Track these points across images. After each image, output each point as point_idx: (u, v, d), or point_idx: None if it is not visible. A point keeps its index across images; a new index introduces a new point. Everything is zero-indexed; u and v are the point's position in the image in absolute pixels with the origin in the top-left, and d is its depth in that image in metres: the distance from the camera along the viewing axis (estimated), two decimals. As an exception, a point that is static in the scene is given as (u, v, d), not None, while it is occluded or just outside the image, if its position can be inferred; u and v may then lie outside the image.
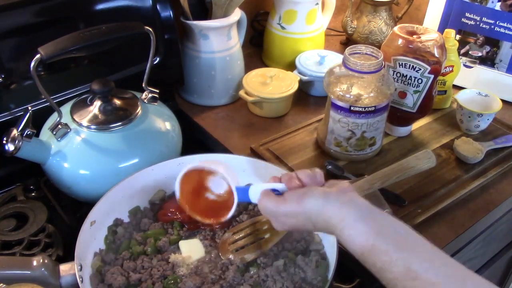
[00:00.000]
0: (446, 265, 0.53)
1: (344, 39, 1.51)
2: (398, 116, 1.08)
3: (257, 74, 1.19)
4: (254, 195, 0.67)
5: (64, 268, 0.68)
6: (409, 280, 0.52)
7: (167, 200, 0.85)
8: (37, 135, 0.86)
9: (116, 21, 0.82)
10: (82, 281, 0.67)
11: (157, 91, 0.93)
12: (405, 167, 0.75)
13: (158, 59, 1.05)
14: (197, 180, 0.72)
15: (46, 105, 0.88)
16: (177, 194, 0.71)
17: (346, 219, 0.58)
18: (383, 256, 0.55)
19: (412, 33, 1.02)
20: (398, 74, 1.03)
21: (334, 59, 1.24)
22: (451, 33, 1.10)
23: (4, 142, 0.79)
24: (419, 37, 1.00)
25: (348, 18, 1.42)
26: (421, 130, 1.11)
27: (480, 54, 1.25)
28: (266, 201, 0.64)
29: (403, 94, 1.05)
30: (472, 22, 1.23)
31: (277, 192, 0.65)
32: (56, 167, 0.84)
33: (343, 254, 0.82)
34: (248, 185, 0.68)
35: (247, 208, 0.84)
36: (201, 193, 0.73)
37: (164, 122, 0.92)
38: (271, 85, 1.16)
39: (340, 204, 0.59)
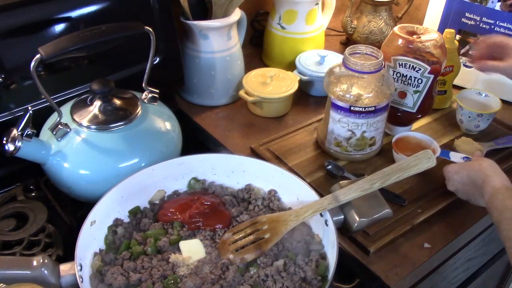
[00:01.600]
0: None
1: (344, 39, 1.51)
2: (398, 116, 1.08)
3: (257, 74, 1.19)
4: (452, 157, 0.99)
5: (64, 268, 0.68)
6: None
7: (167, 200, 0.85)
8: (37, 135, 0.86)
9: (116, 21, 0.82)
10: (82, 281, 0.67)
11: (157, 91, 0.93)
12: (405, 167, 0.75)
13: (158, 59, 1.05)
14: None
15: (46, 105, 0.88)
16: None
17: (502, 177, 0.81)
18: None
19: (412, 33, 1.02)
20: (398, 74, 1.03)
21: (334, 59, 1.24)
22: (451, 33, 1.11)
23: (4, 142, 0.79)
24: (419, 37, 1.00)
25: (348, 18, 1.42)
26: (421, 130, 1.11)
27: (480, 54, 1.24)
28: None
29: (403, 94, 1.05)
30: (472, 22, 1.23)
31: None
32: (56, 167, 0.84)
33: (343, 254, 0.82)
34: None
35: (247, 208, 0.84)
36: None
37: (164, 122, 0.92)
38: (271, 85, 1.16)
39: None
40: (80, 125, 0.85)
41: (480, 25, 1.22)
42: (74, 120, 0.85)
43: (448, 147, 1.07)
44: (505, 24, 1.19)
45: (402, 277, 0.82)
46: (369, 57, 0.95)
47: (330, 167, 0.99)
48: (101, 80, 0.86)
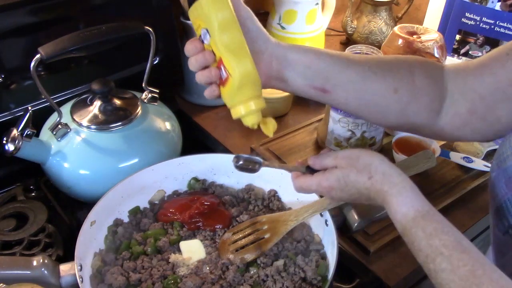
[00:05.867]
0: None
1: (344, 39, 1.51)
2: (398, 116, 1.08)
3: (257, 74, 1.19)
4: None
5: (64, 268, 0.68)
6: (457, 251, 0.54)
7: (167, 200, 0.85)
8: (37, 135, 0.86)
9: (116, 21, 0.82)
10: (82, 281, 0.67)
11: (157, 91, 0.93)
12: (405, 167, 0.75)
13: (158, 59, 1.05)
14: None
15: (46, 105, 0.88)
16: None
17: (406, 184, 0.61)
18: (435, 223, 0.57)
19: (412, 33, 1.02)
20: (398, 74, 1.03)
21: (334, 59, 1.24)
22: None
23: (4, 142, 0.79)
24: (419, 37, 1.00)
25: (348, 18, 1.42)
26: (421, 130, 1.11)
27: (480, 54, 1.25)
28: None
29: (403, 94, 1.05)
30: (472, 22, 1.23)
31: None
32: (56, 167, 0.84)
33: (343, 254, 0.82)
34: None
35: (247, 208, 0.84)
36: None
37: (164, 122, 0.92)
38: (271, 85, 1.16)
39: (399, 171, 0.62)
40: (80, 125, 0.85)
41: (480, 25, 1.22)
42: (74, 120, 0.85)
43: (448, 147, 1.07)
44: (505, 24, 1.19)
45: (402, 277, 0.82)
46: (369, 57, 0.95)
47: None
48: (101, 80, 0.86)
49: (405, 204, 0.59)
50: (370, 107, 0.70)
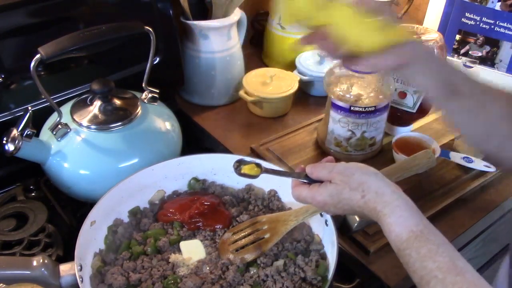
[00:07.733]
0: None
1: (344, 39, 1.51)
2: (398, 116, 1.08)
3: (257, 74, 1.19)
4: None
5: (64, 268, 0.68)
6: (451, 274, 0.53)
7: (167, 200, 0.85)
8: (37, 135, 0.86)
9: (116, 21, 0.82)
10: (82, 281, 0.67)
11: (157, 91, 0.93)
12: (405, 167, 0.75)
13: (158, 59, 1.05)
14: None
15: (46, 105, 0.88)
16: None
17: (399, 202, 0.59)
18: (430, 244, 0.55)
19: (412, 33, 1.02)
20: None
21: (334, 59, 1.24)
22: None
23: (4, 142, 0.79)
24: (419, 37, 1.00)
25: (348, 18, 1.42)
26: (421, 130, 1.11)
27: (480, 54, 1.25)
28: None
29: (403, 94, 1.05)
30: (472, 22, 1.23)
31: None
32: (56, 167, 0.84)
33: (343, 254, 0.82)
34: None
35: (247, 208, 0.84)
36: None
37: (164, 122, 0.92)
38: (271, 85, 1.16)
39: (394, 188, 0.61)
40: (80, 125, 0.85)
41: (480, 25, 1.22)
42: (74, 120, 0.85)
43: (448, 147, 1.07)
44: (505, 24, 1.19)
45: (402, 277, 0.82)
46: (369, 57, 0.95)
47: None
48: (101, 80, 0.86)
49: (398, 225, 0.58)
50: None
